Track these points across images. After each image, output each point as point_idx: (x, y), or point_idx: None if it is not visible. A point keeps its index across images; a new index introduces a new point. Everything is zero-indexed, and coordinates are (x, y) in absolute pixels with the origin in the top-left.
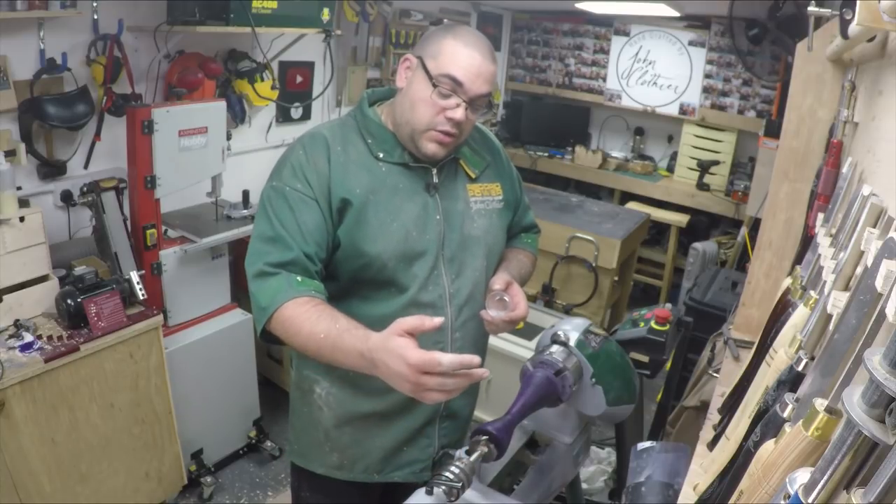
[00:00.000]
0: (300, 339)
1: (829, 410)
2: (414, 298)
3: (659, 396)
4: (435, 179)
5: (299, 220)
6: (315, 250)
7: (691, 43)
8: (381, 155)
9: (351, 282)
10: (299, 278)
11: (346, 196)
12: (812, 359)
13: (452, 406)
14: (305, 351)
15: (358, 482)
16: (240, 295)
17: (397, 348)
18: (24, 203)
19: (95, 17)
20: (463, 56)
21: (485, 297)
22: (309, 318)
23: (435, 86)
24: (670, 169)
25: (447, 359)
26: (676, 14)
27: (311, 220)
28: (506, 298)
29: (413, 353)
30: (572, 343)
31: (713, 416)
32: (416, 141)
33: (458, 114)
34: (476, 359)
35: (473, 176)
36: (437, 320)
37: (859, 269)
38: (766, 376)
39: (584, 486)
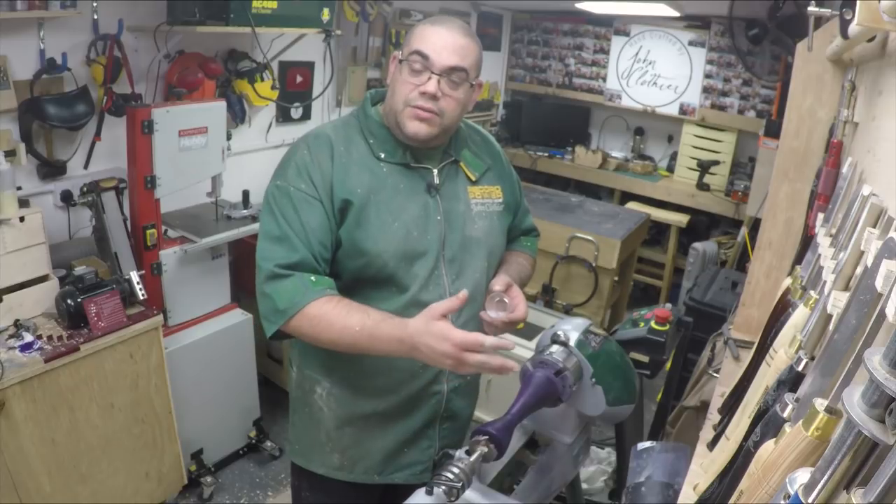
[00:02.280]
0: (332, 334)
1: (829, 410)
2: (415, 298)
3: (659, 396)
4: (436, 180)
5: (303, 220)
6: (319, 250)
7: (691, 43)
8: (382, 155)
9: (352, 280)
10: (313, 278)
11: (348, 196)
12: (812, 359)
13: (453, 407)
14: (337, 345)
15: (359, 483)
16: (240, 295)
17: (440, 331)
18: (24, 203)
19: (95, 17)
20: (430, 32)
21: (485, 298)
22: (339, 314)
23: (403, 62)
24: (670, 169)
25: (490, 340)
26: (676, 14)
27: (314, 220)
28: (505, 300)
29: (457, 334)
30: (572, 343)
31: (713, 416)
32: (400, 123)
33: (430, 86)
34: (512, 343)
35: (474, 178)
36: (463, 293)
37: (859, 269)
38: (766, 376)
39: (584, 486)
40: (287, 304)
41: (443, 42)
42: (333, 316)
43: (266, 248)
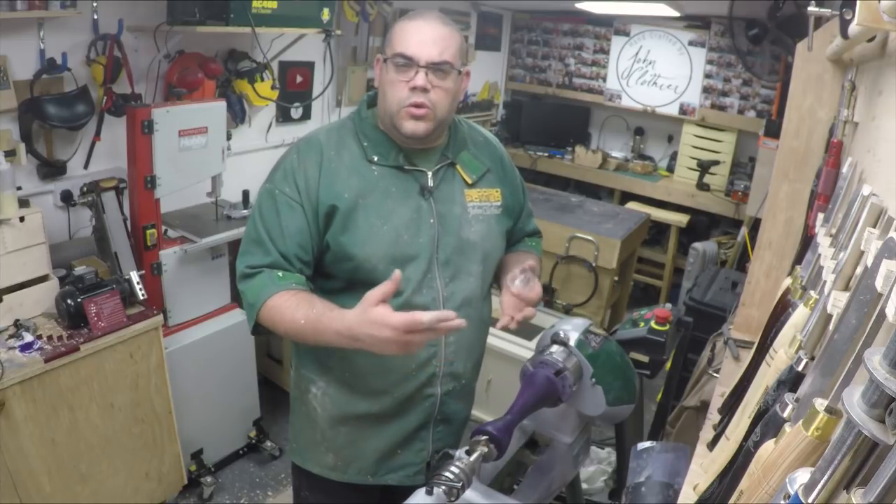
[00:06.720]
0: (283, 326)
1: (829, 410)
2: (407, 301)
3: (659, 396)
4: (430, 183)
5: (283, 223)
6: (295, 252)
7: (691, 43)
8: (375, 158)
9: (347, 283)
10: (280, 274)
11: (334, 201)
12: (812, 359)
13: (447, 410)
14: (291, 337)
15: (355, 483)
16: (240, 295)
17: (378, 318)
18: (24, 203)
19: (95, 17)
20: (408, 30)
21: (498, 286)
22: (289, 307)
23: (388, 62)
24: (670, 169)
25: (427, 317)
26: (676, 14)
27: (293, 224)
28: (531, 281)
29: (395, 318)
30: (572, 343)
31: (713, 416)
32: (396, 124)
33: (419, 80)
34: (451, 313)
35: (470, 181)
36: (396, 274)
37: (859, 269)
38: (766, 376)
39: (584, 486)
40: (254, 298)
41: (422, 37)
42: (285, 308)
43: (244, 248)
